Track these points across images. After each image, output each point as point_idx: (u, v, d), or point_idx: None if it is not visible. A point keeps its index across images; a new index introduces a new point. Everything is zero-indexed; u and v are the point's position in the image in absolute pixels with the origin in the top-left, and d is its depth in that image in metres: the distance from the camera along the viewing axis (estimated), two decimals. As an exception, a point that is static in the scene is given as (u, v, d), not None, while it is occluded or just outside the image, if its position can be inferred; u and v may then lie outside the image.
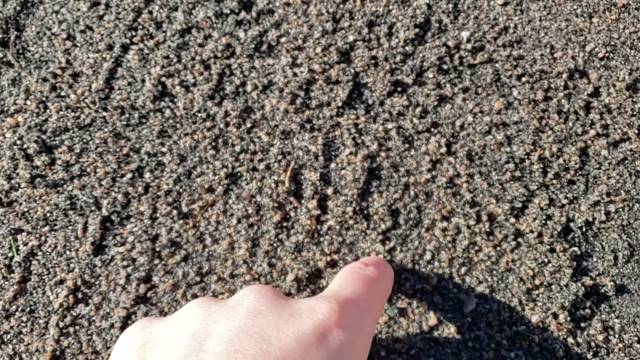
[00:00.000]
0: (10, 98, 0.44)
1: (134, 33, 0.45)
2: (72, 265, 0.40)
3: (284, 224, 0.41)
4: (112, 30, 0.45)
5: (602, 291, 0.41)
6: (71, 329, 0.39)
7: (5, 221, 0.41)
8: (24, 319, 0.39)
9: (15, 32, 0.45)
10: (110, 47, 0.45)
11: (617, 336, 0.40)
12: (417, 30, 0.45)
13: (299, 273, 0.40)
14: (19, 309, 0.40)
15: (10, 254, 0.41)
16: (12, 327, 0.39)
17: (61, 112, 0.43)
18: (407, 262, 0.41)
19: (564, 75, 0.45)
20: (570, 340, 0.39)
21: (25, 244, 0.41)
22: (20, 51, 0.45)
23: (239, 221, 0.41)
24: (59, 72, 0.44)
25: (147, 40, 0.45)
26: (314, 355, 0.24)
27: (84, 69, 0.44)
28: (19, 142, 0.42)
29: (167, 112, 0.43)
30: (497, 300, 0.40)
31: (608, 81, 0.45)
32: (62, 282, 0.40)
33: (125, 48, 0.45)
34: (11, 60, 0.44)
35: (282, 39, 0.45)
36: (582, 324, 0.40)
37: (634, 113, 0.44)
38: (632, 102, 0.44)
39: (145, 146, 0.43)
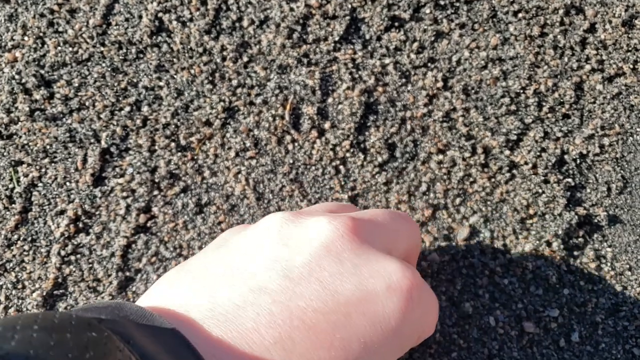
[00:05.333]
0: (8, 34, 0.44)
1: (130, -30, 0.45)
2: (72, 196, 0.41)
3: (282, 158, 0.42)
4: (108, -33, 0.45)
5: (595, 221, 0.42)
6: (72, 258, 0.40)
7: (5, 153, 0.41)
8: (26, 247, 0.40)
9: (11, -31, 0.45)
10: (106, -16, 0.45)
11: (609, 264, 0.41)
12: (414, -34, 0.45)
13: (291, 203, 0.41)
14: (21, 238, 0.40)
15: (11, 185, 0.41)
16: (14, 256, 0.40)
17: (59, 48, 0.43)
18: (403, 193, 0.41)
19: (560, 12, 0.45)
20: (563, 267, 0.40)
21: (26, 176, 0.41)
22: (17, -13, 0.45)
23: (237, 154, 0.42)
24: (55, 8, 0.44)
25: (143, -24, 0.45)
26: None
27: (80, 5, 0.44)
28: (17, 76, 0.43)
29: (164, 47, 0.43)
30: (491, 229, 0.41)
31: (604, 17, 0.45)
32: (62, 212, 0.41)
33: (121, -16, 0.45)
34: (8, -3, 0.44)
35: (279, -25, 0.45)
36: (575, 252, 0.41)
37: (629, 49, 0.44)
38: (628, 37, 0.44)
39: (143, 80, 0.43)
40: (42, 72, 0.43)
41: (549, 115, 0.43)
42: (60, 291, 0.39)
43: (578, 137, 0.43)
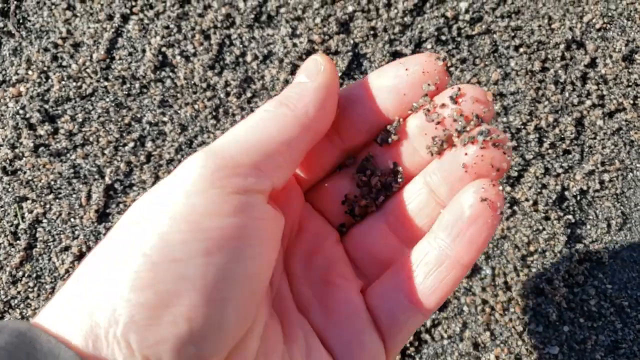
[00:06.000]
0: (12, 68, 0.44)
1: (133, 3, 0.45)
2: (77, 232, 0.41)
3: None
4: (111, 0, 0.45)
5: (595, 258, 0.42)
6: (77, 294, 0.40)
7: (10, 189, 0.42)
8: (31, 284, 0.40)
9: (16, 2, 0.45)
10: (110, 17, 0.45)
11: (609, 301, 0.41)
12: (415, 1, 0.45)
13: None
14: (26, 275, 0.40)
15: (15, 221, 0.41)
16: (19, 293, 0.40)
17: (63, 82, 0.44)
18: (405, 229, 0.42)
19: (561, 46, 0.45)
20: (563, 304, 0.41)
21: (31, 212, 0.41)
22: (21, 21, 0.45)
23: (240, 190, 0.42)
24: (59, 42, 0.44)
25: (147, 10, 0.45)
26: None
27: (84, 39, 0.44)
28: (21, 111, 0.43)
29: (168, 82, 0.44)
30: (492, 267, 0.41)
31: (605, 52, 0.45)
32: (67, 248, 0.41)
33: (125, 18, 0.45)
34: (12, 30, 0.44)
35: (282, 9, 0.45)
36: (575, 289, 0.41)
37: (630, 84, 0.45)
38: (628, 72, 0.45)
39: (147, 115, 0.43)
40: (47, 107, 0.43)
41: (550, 151, 0.43)
42: (65, 328, 0.40)
43: (578, 173, 0.43)
